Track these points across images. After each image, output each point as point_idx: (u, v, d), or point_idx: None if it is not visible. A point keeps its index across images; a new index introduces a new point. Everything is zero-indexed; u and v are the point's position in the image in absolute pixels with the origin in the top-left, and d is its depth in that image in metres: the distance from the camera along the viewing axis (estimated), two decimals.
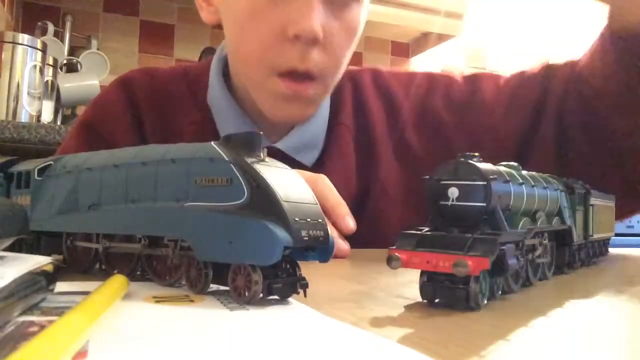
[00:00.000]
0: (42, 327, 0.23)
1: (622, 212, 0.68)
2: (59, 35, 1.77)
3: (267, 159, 0.32)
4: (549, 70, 0.79)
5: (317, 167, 0.75)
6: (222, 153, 0.31)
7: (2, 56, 1.36)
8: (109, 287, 0.27)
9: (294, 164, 0.72)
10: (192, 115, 0.76)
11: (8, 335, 0.21)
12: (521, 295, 0.37)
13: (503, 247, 0.31)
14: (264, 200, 0.29)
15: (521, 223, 0.37)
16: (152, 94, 0.77)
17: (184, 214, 0.31)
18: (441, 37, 2.18)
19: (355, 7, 0.65)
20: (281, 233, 0.28)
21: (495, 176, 0.34)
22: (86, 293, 0.26)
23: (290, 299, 0.31)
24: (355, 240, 0.59)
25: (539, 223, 0.40)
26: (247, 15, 0.62)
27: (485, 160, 0.35)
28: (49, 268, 0.29)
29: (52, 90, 1.54)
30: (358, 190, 0.78)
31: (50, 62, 1.52)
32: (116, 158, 0.37)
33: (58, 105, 1.61)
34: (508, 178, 0.36)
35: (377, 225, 0.72)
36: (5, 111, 1.36)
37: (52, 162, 0.42)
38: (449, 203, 0.33)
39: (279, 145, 0.73)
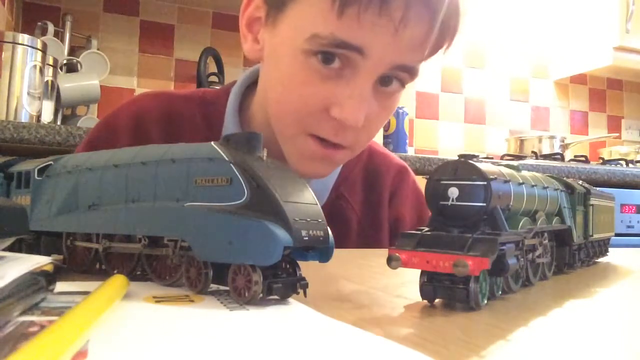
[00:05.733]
0: (42, 327, 0.23)
1: None
2: (59, 35, 1.77)
3: (267, 159, 0.32)
4: None
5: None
6: (222, 153, 0.31)
7: (2, 56, 1.36)
8: (109, 287, 0.27)
9: None
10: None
11: (8, 335, 0.21)
12: (521, 295, 0.37)
13: (503, 247, 0.31)
14: (264, 200, 0.29)
15: (521, 223, 0.37)
16: (164, 119, 0.75)
17: (184, 214, 0.31)
18: None
19: (399, 93, 0.65)
20: (281, 233, 0.28)
21: (495, 176, 0.34)
22: (86, 293, 0.26)
23: (290, 299, 0.31)
24: None
25: (539, 223, 0.40)
26: (297, 82, 0.60)
27: None
28: (49, 268, 0.29)
29: (52, 90, 1.54)
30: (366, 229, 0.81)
31: (50, 62, 1.51)
32: (116, 158, 0.37)
33: (58, 105, 1.61)
34: (508, 178, 0.36)
35: None
36: (5, 111, 1.36)
37: (52, 162, 0.42)
38: (449, 203, 0.33)
39: None
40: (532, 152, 2.18)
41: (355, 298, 0.34)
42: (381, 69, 0.59)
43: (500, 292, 0.35)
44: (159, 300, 0.30)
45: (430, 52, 0.60)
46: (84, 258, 0.39)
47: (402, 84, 0.63)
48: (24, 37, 1.39)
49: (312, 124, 0.62)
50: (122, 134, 0.74)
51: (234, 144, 0.32)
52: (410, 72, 0.61)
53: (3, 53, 1.36)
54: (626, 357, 0.23)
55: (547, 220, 0.42)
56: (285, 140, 0.66)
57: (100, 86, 1.69)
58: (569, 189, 0.49)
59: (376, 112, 0.63)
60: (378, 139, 0.93)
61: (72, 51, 1.81)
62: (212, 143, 0.32)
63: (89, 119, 1.73)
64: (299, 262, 0.32)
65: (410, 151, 2.21)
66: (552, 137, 2.27)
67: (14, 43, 1.37)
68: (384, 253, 0.33)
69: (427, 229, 0.34)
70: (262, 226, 0.28)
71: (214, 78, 1.94)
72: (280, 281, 0.30)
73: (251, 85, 0.76)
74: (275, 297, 0.30)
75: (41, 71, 1.43)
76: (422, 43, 0.58)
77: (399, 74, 0.61)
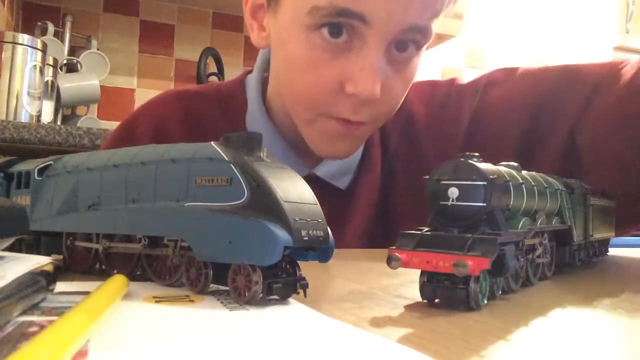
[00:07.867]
0: (42, 327, 0.23)
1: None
2: (59, 35, 1.77)
3: (267, 158, 0.32)
4: (571, 73, 0.74)
5: (350, 190, 0.75)
6: (222, 153, 0.31)
7: (2, 56, 1.36)
8: (109, 287, 0.27)
9: (331, 188, 0.73)
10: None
11: (8, 335, 0.21)
12: (521, 295, 0.37)
13: (503, 247, 0.31)
14: (264, 200, 0.29)
15: (521, 223, 0.37)
16: (185, 122, 0.75)
17: (184, 214, 0.31)
18: (441, 37, 2.18)
19: (416, 59, 0.63)
20: (281, 233, 0.28)
21: (495, 176, 0.34)
22: (86, 293, 0.26)
23: (290, 299, 0.31)
24: None
25: (539, 223, 0.40)
26: (305, 64, 0.59)
27: (487, 161, 0.35)
28: (49, 268, 0.29)
29: (52, 90, 1.54)
30: (379, 210, 0.77)
31: (50, 62, 1.51)
32: (116, 158, 0.37)
33: (58, 105, 1.61)
34: (508, 178, 0.36)
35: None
36: (5, 111, 1.36)
37: (52, 162, 0.42)
38: (449, 203, 0.33)
39: (318, 172, 0.72)
40: None
41: (355, 298, 0.34)
42: (389, 35, 0.57)
43: (500, 292, 0.35)
44: (159, 300, 0.30)
45: (439, 7, 0.58)
46: (84, 258, 0.39)
47: (418, 47, 0.61)
48: (24, 37, 1.39)
49: (329, 106, 0.60)
50: (141, 133, 0.74)
51: (234, 144, 0.32)
52: (423, 33, 0.59)
53: (3, 53, 1.36)
54: (626, 357, 0.23)
55: (547, 220, 0.42)
56: (304, 124, 0.65)
57: (100, 86, 1.69)
58: (569, 189, 0.49)
59: (394, 81, 0.61)
60: None
61: (72, 51, 1.81)
62: (212, 143, 0.32)
63: (89, 119, 1.73)
64: (299, 262, 0.32)
65: None
66: None
67: (14, 43, 1.37)
68: (384, 253, 0.33)
69: (427, 229, 0.34)
70: (262, 226, 0.28)
71: (214, 78, 1.94)
72: (280, 281, 0.30)
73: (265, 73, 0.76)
74: (275, 297, 0.30)
75: (41, 71, 1.43)
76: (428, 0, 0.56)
77: (413, 36, 0.59)
